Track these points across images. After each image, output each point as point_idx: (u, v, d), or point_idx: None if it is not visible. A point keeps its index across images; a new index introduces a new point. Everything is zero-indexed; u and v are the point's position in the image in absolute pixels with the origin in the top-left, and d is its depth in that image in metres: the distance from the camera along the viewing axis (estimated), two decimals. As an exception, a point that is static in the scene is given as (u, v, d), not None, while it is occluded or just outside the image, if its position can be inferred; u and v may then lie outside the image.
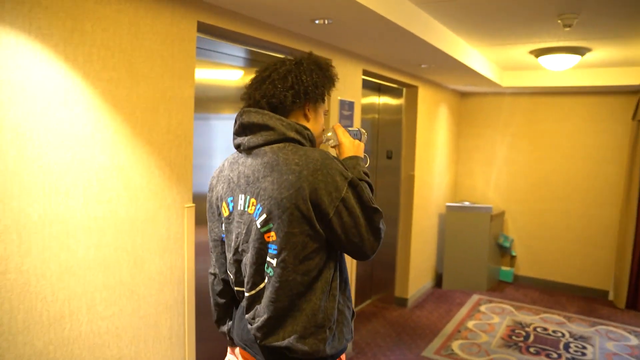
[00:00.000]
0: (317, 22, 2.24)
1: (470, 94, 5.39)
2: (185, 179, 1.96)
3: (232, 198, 1.28)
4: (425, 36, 2.66)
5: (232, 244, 1.30)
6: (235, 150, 1.34)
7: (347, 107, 3.15)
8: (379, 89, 4.32)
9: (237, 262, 1.30)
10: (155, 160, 1.82)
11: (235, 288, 1.35)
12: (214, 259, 1.45)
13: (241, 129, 1.27)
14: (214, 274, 1.46)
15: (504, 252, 5.15)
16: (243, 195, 1.24)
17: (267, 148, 1.22)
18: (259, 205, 1.20)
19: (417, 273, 4.57)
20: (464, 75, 4.02)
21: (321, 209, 1.16)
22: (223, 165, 1.37)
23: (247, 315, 1.30)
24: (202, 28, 2.03)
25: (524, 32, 2.96)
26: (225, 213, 1.31)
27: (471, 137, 5.41)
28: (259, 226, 1.20)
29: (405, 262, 4.39)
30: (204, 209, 1.57)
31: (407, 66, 3.66)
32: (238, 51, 2.51)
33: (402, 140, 4.32)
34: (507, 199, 5.23)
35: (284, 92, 1.24)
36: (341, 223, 1.18)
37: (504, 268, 5.17)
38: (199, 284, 2.08)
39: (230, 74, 2.62)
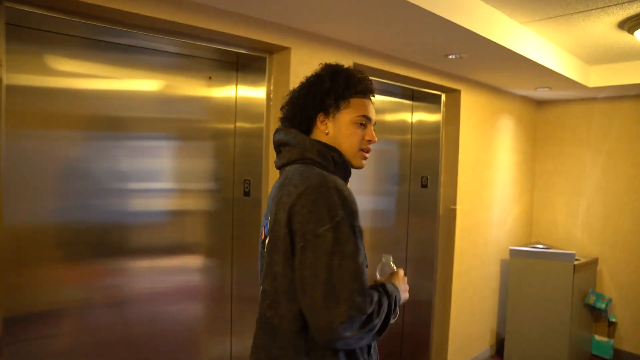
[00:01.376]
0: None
1: (548, 102, 4.12)
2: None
3: (266, 221, 1.22)
4: (426, 3, 1.71)
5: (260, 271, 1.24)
6: None
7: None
8: (412, 97, 3.34)
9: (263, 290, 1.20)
10: None
11: None
12: None
13: (275, 147, 1.28)
14: None
15: (597, 315, 3.73)
16: (268, 217, 1.18)
17: (288, 167, 1.20)
18: (267, 228, 1.16)
19: (464, 339, 3.41)
20: (523, 70, 2.89)
21: (294, 239, 1.06)
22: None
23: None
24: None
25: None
26: (261, 237, 1.25)
27: (551, 157, 4.11)
28: (265, 250, 1.15)
29: (443, 325, 3.28)
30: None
31: (429, 59, 2.66)
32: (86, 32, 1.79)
33: (440, 163, 3.27)
34: (601, 242, 3.82)
35: (301, 107, 1.22)
36: (301, 266, 1.02)
37: (599, 338, 3.74)
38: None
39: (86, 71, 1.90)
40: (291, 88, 1.29)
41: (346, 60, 2.32)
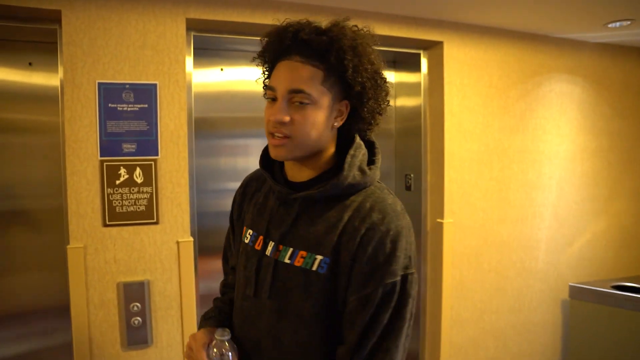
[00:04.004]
0: None
1: (666, 50, 2.56)
2: None
3: None
4: None
5: None
6: None
7: (123, 96, 1.60)
8: (394, 63, 2.38)
9: None
10: None
11: None
12: None
13: None
14: None
15: None
16: None
17: None
18: None
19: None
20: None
21: None
22: None
23: None
24: None
25: None
26: None
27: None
28: None
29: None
30: None
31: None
32: None
33: (424, 155, 2.23)
34: None
35: None
36: None
37: None
38: None
39: None
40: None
41: (167, 15, 1.63)
